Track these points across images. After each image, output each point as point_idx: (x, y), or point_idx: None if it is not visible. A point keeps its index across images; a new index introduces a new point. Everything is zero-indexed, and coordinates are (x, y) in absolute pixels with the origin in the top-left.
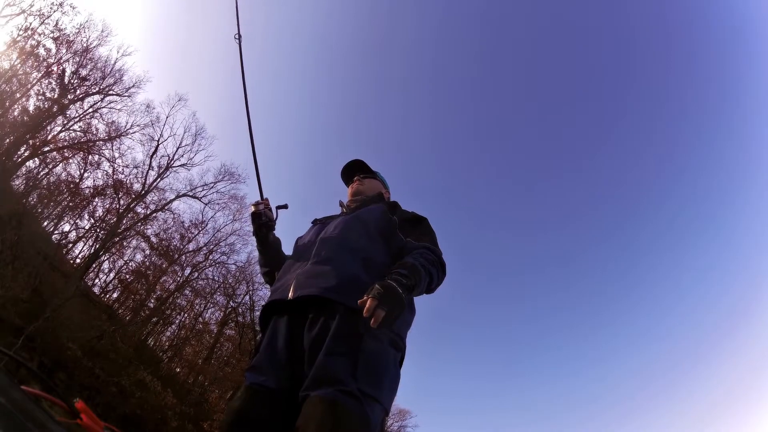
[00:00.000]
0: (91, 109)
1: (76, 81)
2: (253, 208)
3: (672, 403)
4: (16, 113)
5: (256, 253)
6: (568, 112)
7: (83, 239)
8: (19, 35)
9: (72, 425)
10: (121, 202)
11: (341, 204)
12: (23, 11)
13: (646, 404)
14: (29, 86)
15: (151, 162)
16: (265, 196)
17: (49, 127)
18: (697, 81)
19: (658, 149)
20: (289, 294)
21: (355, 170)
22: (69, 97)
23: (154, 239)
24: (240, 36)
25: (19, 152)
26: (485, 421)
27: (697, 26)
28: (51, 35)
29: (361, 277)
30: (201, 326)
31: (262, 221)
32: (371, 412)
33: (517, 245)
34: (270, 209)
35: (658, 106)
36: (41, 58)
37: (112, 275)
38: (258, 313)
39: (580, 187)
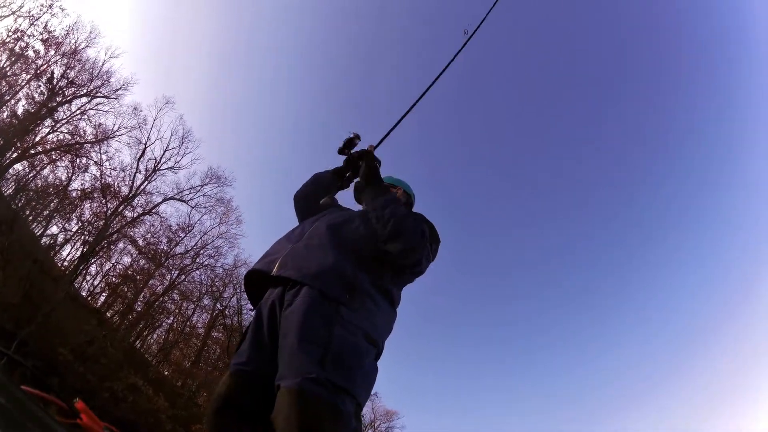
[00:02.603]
0: (78, 111)
1: (64, 83)
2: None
3: (669, 399)
4: (4, 115)
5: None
6: (564, 110)
7: (71, 242)
8: (8, 36)
9: (72, 425)
10: (109, 205)
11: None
12: (13, 12)
13: (642, 398)
14: (18, 88)
15: (138, 165)
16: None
17: (37, 130)
18: (693, 79)
19: (658, 142)
20: (274, 269)
21: None
22: (57, 99)
23: (141, 242)
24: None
25: (6, 155)
26: (474, 419)
27: (698, 19)
28: (40, 37)
29: (345, 268)
30: (189, 329)
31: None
32: (341, 403)
33: (508, 244)
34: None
35: (654, 100)
36: (30, 60)
37: (99, 278)
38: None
39: (574, 184)
